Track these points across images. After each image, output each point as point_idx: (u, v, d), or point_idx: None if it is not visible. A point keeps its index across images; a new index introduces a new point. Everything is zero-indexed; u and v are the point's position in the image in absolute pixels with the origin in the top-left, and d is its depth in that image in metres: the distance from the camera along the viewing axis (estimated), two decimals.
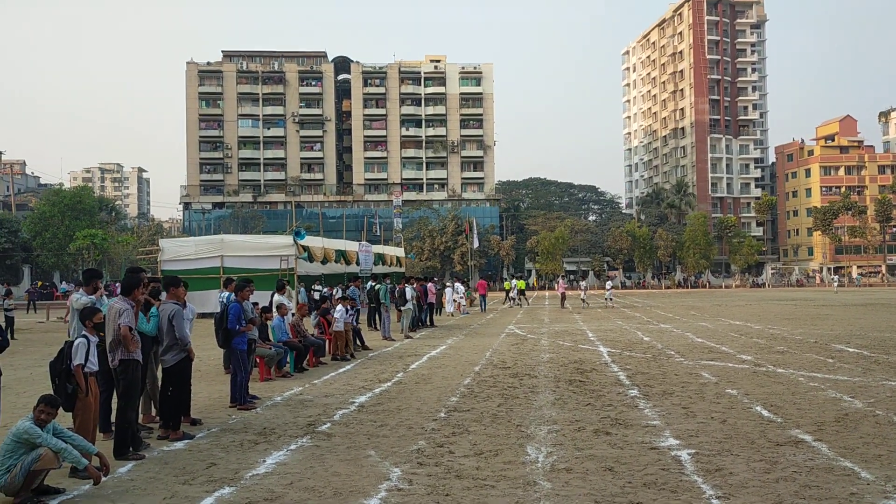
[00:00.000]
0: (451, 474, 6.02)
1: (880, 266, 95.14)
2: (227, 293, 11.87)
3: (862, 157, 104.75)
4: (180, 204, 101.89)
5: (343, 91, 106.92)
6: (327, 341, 15.15)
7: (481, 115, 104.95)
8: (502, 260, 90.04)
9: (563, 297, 37.87)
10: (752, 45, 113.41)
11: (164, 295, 8.46)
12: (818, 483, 5.55)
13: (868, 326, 20.84)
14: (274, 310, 13.24)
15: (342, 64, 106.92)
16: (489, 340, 18.92)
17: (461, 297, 36.16)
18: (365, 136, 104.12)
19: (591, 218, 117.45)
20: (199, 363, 13.12)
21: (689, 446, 6.81)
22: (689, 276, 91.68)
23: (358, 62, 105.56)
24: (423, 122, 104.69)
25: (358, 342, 16.67)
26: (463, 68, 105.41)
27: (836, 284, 67.82)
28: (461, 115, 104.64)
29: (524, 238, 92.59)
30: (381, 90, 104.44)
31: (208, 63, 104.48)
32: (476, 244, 77.14)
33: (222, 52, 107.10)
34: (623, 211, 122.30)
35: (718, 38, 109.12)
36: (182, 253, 26.84)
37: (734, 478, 5.74)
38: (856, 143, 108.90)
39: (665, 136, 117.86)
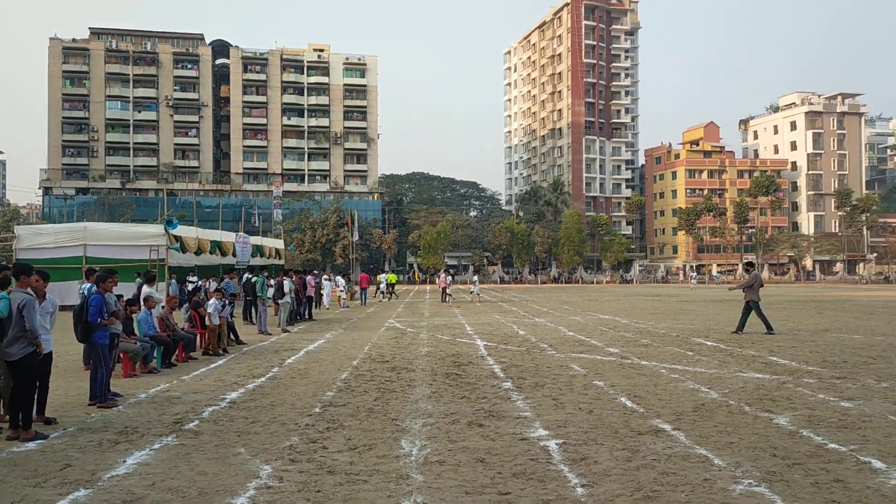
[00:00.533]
0: (323, 470, 5.94)
1: (737, 265, 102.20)
2: (89, 284, 11.22)
3: (723, 162, 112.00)
4: (40, 189, 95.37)
5: (221, 76, 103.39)
6: (199, 335, 14.61)
7: (365, 107, 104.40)
8: (384, 254, 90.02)
9: (444, 292, 38.30)
10: (626, 51, 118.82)
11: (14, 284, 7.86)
12: (675, 470, 5.86)
13: (725, 321, 22.25)
14: (141, 302, 12.62)
15: (221, 48, 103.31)
16: (369, 334, 18.86)
17: (342, 291, 35.86)
18: (244, 124, 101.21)
19: (473, 214, 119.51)
20: (58, 359, 12.27)
21: (557, 436, 7.03)
22: (564, 271, 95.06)
23: (238, 47, 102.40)
24: (306, 111, 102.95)
25: (232, 336, 16.17)
26: (347, 59, 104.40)
27: (694, 282, 72.02)
28: (345, 106, 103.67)
29: (406, 232, 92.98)
30: (262, 77, 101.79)
31: (74, 40, 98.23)
32: (357, 237, 76.83)
33: (90, 28, 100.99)
34: (503, 207, 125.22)
35: (595, 42, 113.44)
36: (40, 241, 25.21)
37: (598, 466, 5.97)
38: (718, 149, 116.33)
39: (543, 136, 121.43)
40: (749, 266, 19.25)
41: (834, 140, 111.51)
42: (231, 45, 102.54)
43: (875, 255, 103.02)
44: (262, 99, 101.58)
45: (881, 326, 20.14)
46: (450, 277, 39.73)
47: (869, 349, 14.37)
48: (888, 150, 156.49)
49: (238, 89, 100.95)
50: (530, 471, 5.85)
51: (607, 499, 5.15)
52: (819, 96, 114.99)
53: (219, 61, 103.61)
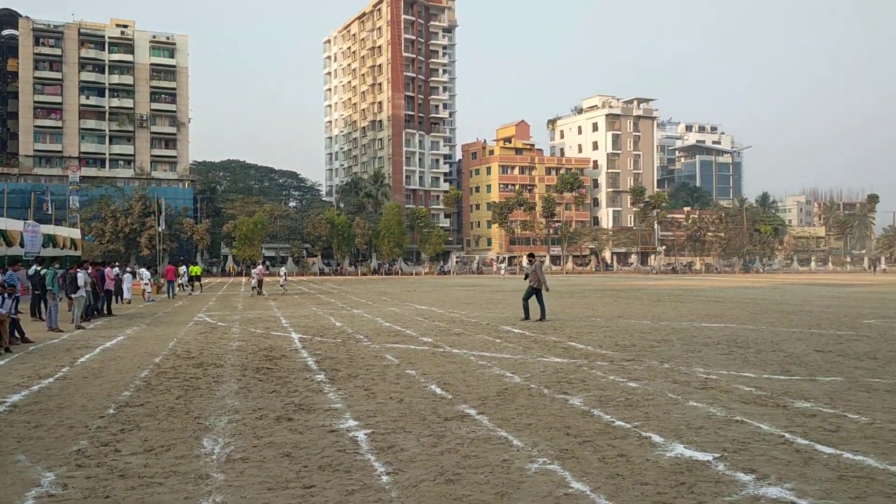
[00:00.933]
0: (114, 474, 5.55)
1: (545, 256, 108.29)
2: None
3: (533, 159, 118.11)
4: None
5: (9, 49, 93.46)
6: None
7: (175, 89, 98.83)
8: (196, 245, 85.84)
9: (260, 284, 37.22)
10: (444, 47, 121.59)
11: None
12: (477, 453, 6.09)
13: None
14: None
15: (8, 17, 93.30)
16: (175, 329, 17.89)
17: (146, 284, 33.75)
18: (35, 102, 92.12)
19: (292, 204, 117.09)
20: None
21: (366, 426, 7.06)
22: (384, 263, 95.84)
23: (28, 17, 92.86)
24: (107, 91, 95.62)
25: (16, 334, 14.69)
26: (154, 37, 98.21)
27: (503, 272, 75.40)
28: (152, 87, 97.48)
29: (221, 222, 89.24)
30: (57, 52, 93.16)
31: None
32: (163, 226, 72.65)
33: None
34: (323, 198, 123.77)
35: (414, 37, 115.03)
36: None
37: (404, 453, 6.07)
38: (528, 146, 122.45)
39: (364, 128, 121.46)
40: (531, 257, 20.46)
41: (630, 141, 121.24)
42: (20, 15, 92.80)
43: (664, 247, 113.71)
44: (56, 75, 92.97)
45: (666, 313, 22.22)
46: (257, 268, 38.72)
47: (655, 333, 15.78)
48: (676, 152, 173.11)
49: (28, 64, 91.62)
50: (337, 462, 5.83)
51: (411, 484, 5.25)
52: (618, 100, 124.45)
53: (6, 32, 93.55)
